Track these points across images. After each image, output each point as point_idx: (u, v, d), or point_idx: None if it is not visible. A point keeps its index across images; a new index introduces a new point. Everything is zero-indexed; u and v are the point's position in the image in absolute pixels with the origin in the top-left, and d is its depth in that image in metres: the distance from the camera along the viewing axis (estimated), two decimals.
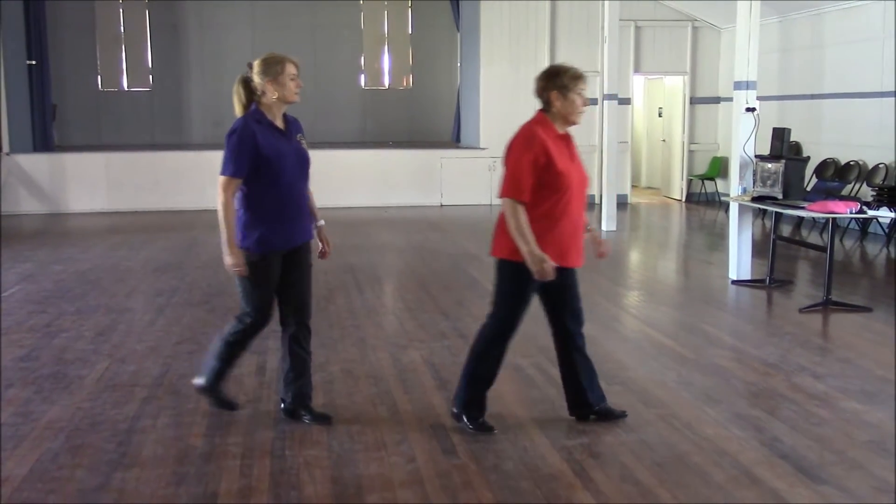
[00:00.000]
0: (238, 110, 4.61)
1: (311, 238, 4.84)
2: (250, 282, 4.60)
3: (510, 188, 4.42)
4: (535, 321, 7.10)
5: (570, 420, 4.84)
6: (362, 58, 18.92)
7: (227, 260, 4.51)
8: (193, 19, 18.26)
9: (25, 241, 11.75)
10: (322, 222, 4.94)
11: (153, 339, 6.61)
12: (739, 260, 8.81)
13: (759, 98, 8.80)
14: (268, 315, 4.76)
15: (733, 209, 9.00)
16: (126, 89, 18.46)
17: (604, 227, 12.68)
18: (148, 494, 3.93)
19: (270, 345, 6.38)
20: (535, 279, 4.41)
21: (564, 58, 15.84)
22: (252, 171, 4.46)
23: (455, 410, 4.71)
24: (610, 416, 4.80)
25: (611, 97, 12.84)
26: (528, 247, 4.34)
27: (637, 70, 16.30)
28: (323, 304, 7.80)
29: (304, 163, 4.71)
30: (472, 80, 16.46)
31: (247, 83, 4.57)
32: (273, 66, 4.51)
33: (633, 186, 17.28)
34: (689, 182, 16.55)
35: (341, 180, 15.00)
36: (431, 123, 18.71)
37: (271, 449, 4.45)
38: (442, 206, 15.71)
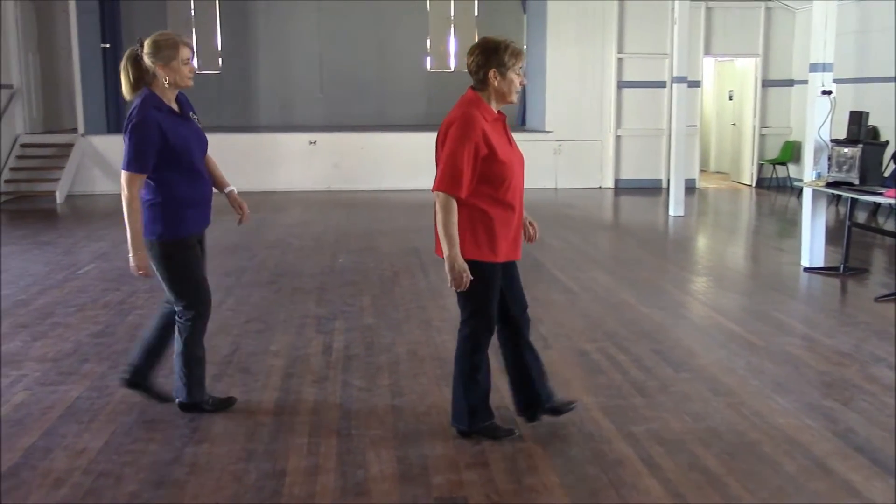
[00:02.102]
0: (126, 90, 4.36)
1: (209, 223, 4.62)
2: (179, 273, 4.42)
3: (445, 181, 3.96)
4: (601, 306, 7.06)
5: (637, 406, 4.79)
6: (428, 40, 18.92)
7: (132, 261, 4.31)
8: (261, 4, 18.46)
9: (99, 221, 12.07)
10: (232, 188, 4.70)
11: (222, 317, 6.72)
12: (812, 247, 8.60)
13: (835, 81, 8.55)
14: (208, 301, 4.58)
15: (807, 194, 8.77)
16: (196, 72, 18.76)
17: (671, 212, 12.50)
18: (219, 469, 4.01)
19: (337, 325, 6.47)
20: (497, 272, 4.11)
21: (633, 41, 15.69)
22: (160, 161, 4.25)
23: (462, 429, 4.32)
24: (562, 411, 4.50)
25: (680, 80, 12.61)
26: (453, 251, 3.96)
27: (707, 52, 15.97)
28: (388, 286, 7.86)
29: (203, 144, 4.51)
30: (539, 63, 16.32)
31: (136, 61, 4.30)
32: (165, 50, 4.26)
33: (702, 171, 16.98)
34: (760, 167, 16.20)
35: (406, 163, 15.06)
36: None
37: (338, 428, 4.49)
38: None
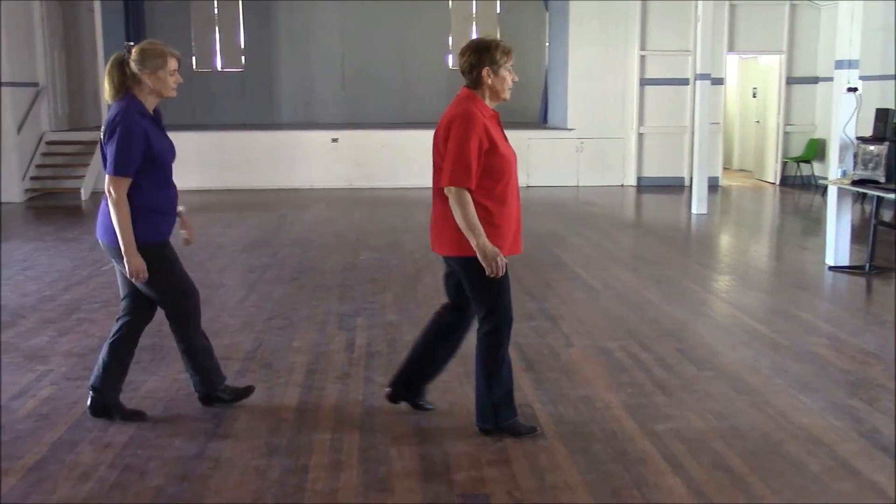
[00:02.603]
0: (108, 93, 4.36)
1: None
2: (167, 273, 4.42)
3: (457, 176, 4.01)
4: (623, 304, 7.04)
5: (660, 404, 4.77)
6: (450, 38, 18.91)
7: (129, 266, 4.26)
8: (284, 1, 18.53)
9: None
10: (182, 208, 4.65)
11: (245, 314, 6.77)
12: (837, 245, 8.52)
13: (861, 78, 8.46)
14: (197, 296, 4.59)
15: (832, 193, 8.70)
16: (219, 70, 18.88)
17: (694, 210, 12.44)
18: (242, 464, 4.04)
19: (359, 322, 6.49)
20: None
21: (656, 38, 15.61)
22: (139, 167, 4.24)
23: (486, 427, 4.32)
24: (419, 408, 4.62)
25: (703, 77, 12.53)
26: (480, 240, 3.99)
27: (731, 49, 15.87)
28: (410, 283, 7.87)
29: (174, 153, 4.50)
30: (561, 60, 16.28)
31: (121, 66, 4.31)
32: (154, 59, 4.28)
33: (725, 169, 16.89)
34: (784, 164, 16.08)
35: (428, 161, 14.85)
36: (518, 104, 18.49)
37: (360, 425, 4.51)
38: (528, 187, 15.63)
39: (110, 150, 4.23)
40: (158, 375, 5.28)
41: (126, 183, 4.23)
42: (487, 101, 4.22)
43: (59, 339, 6.12)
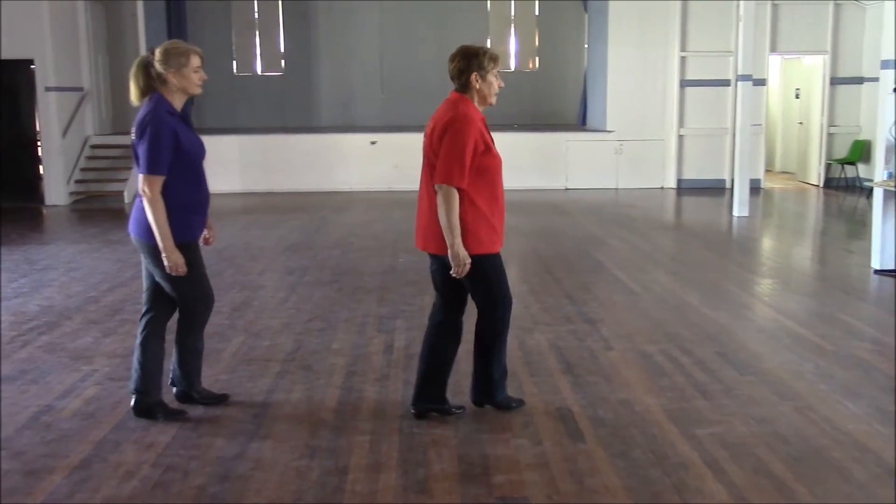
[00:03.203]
0: (134, 95, 4.46)
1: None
2: (191, 274, 4.46)
3: (449, 173, 4.19)
4: (663, 307, 6.97)
5: (701, 409, 4.72)
6: (488, 40, 18.89)
7: (168, 261, 4.33)
8: (324, 5, 18.65)
9: None
10: None
11: (285, 315, 6.82)
12: (883, 248, 8.37)
13: None
14: (212, 302, 4.72)
15: (877, 195, 8.54)
16: (259, 74, 19.06)
17: (735, 213, 12.29)
18: (282, 465, 4.07)
19: (398, 325, 6.51)
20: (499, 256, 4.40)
21: (697, 39, 15.49)
22: (172, 165, 4.33)
23: (479, 400, 4.67)
24: (447, 413, 4.63)
25: (745, 78, 12.39)
26: (455, 241, 4.18)
27: (773, 50, 15.66)
28: None
29: (204, 150, 4.59)
30: (600, 61, 16.20)
31: (146, 68, 4.41)
32: (177, 58, 4.37)
33: (767, 171, 16.67)
34: (828, 166, 15.84)
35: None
36: (557, 106, 18.56)
37: (399, 426, 4.52)
38: (567, 189, 15.58)
39: (142, 150, 4.31)
40: (201, 376, 5.33)
41: (159, 181, 4.31)
42: (476, 105, 4.41)
43: (103, 339, 6.21)
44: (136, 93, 4.46)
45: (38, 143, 14.78)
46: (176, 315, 4.70)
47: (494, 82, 4.40)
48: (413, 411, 4.61)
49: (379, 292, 7.63)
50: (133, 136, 4.40)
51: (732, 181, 13.68)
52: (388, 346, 5.97)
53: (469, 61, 4.34)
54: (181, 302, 4.61)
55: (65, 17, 14.70)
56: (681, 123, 15.77)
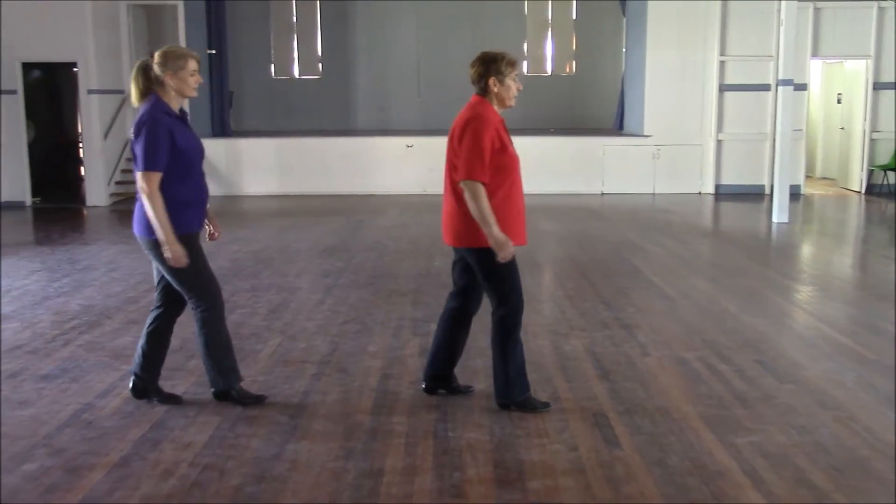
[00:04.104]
0: (134, 97, 4.63)
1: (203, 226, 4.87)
2: (191, 267, 4.58)
3: (471, 170, 4.43)
4: (701, 314, 6.91)
5: (739, 417, 4.67)
6: (525, 44, 18.87)
7: (169, 253, 4.48)
8: (361, 8, 18.73)
9: None
10: (209, 206, 4.92)
11: (321, 317, 6.85)
12: None
13: None
14: (219, 289, 4.81)
15: None
16: (297, 77, 19.19)
17: (775, 219, 12.14)
18: (318, 466, 4.09)
19: (433, 328, 6.48)
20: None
21: (736, 43, 15.35)
22: (168, 163, 4.49)
23: (503, 402, 4.75)
24: (457, 392, 4.98)
25: (785, 83, 12.22)
26: (493, 229, 4.41)
27: (815, 54, 15.45)
28: None
29: (202, 150, 4.77)
30: (638, 66, 16.09)
31: (146, 71, 4.58)
32: (175, 61, 4.54)
33: (808, 177, 16.46)
34: (870, 173, 15.58)
35: None
36: (594, 110, 18.46)
37: (434, 430, 4.52)
38: (603, 194, 15.49)
39: (139, 148, 4.48)
40: None
41: (156, 177, 4.47)
42: (495, 107, 4.65)
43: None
44: (136, 94, 4.63)
45: (80, 145, 15.00)
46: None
47: (512, 86, 4.62)
48: (423, 386, 5.00)
49: (414, 295, 7.64)
50: (131, 136, 4.57)
51: (772, 187, 13.51)
52: (423, 349, 5.96)
53: (487, 66, 4.59)
54: (188, 295, 4.73)
55: (107, 21, 14.92)
56: (719, 128, 15.62)
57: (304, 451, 4.27)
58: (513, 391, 4.71)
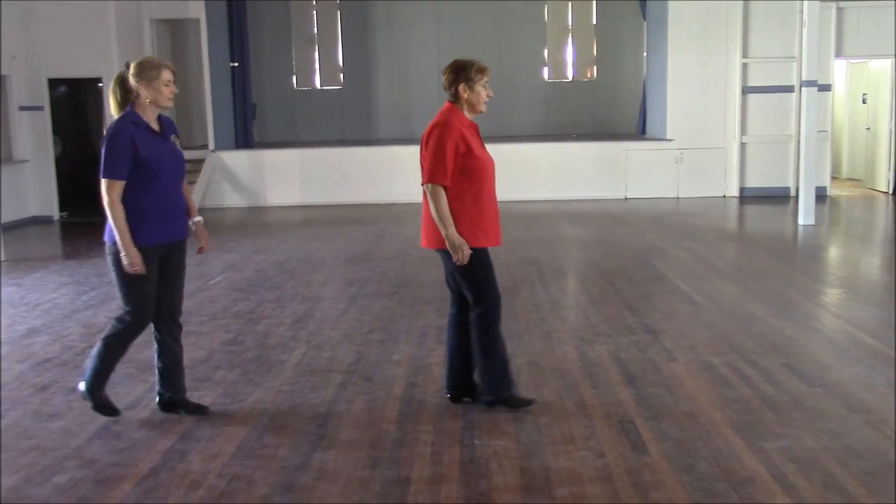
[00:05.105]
0: (113, 108, 4.66)
1: (185, 236, 4.85)
2: (128, 278, 4.58)
3: (433, 173, 4.61)
4: (727, 318, 6.86)
5: (768, 422, 4.63)
6: (545, 50, 18.86)
7: (125, 260, 4.50)
8: (382, 18, 18.81)
9: (229, 233, 12.54)
10: (199, 219, 4.96)
11: (346, 327, 6.87)
12: None
13: None
14: (148, 315, 4.73)
15: None
16: (319, 88, 19.29)
17: (800, 221, 12.03)
18: (345, 475, 4.09)
19: None
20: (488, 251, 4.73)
21: (759, 44, 15.26)
22: (131, 172, 4.51)
23: (489, 400, 4.85)
24: (481, 396, 4.92)
25: (809, 84, 12.12)
26: (449, 231, 4.59)
27: (839, 54, 15.31)
28: (507, 297, 7.79)
29: (179, 163, 4.76)
30: (659, 70, 16.04)
31: (123, 83, 4.61)
32: (148, 71, 4.57)
33: (834, 178, 16.29)
34: None
35: (524, 174, 15.02)
36: (616, 115, 18.41)
37: (460, 438, 4.52)
38: (626, 199, 15.43)
39: (102, 156, 4.52)
40: (264, 387, 5.41)
41: (116, 185, 4.50)
42: (466, 113, 4.82)
43: None
44: (115, 106, 4.66)
45: None
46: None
47: (482, 92, 4.78)
48: (447, 395, 5.02)
49: (438, 303, 7.64)
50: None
51: (797, 189, 13.40)
52: None
53: (457, 73, 4.76)
54: (124, 307, 4.70)
55: (131, 36, 15.08)
56: (743, 131, 15.51)
57: (331, 460, 4.28)
58: (497, 389, 4.81)
